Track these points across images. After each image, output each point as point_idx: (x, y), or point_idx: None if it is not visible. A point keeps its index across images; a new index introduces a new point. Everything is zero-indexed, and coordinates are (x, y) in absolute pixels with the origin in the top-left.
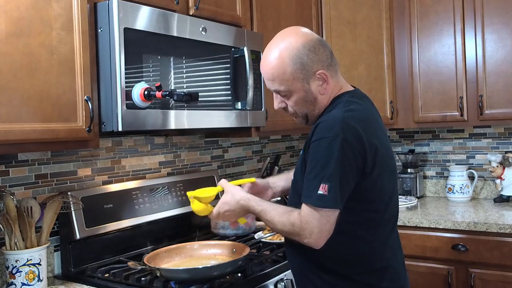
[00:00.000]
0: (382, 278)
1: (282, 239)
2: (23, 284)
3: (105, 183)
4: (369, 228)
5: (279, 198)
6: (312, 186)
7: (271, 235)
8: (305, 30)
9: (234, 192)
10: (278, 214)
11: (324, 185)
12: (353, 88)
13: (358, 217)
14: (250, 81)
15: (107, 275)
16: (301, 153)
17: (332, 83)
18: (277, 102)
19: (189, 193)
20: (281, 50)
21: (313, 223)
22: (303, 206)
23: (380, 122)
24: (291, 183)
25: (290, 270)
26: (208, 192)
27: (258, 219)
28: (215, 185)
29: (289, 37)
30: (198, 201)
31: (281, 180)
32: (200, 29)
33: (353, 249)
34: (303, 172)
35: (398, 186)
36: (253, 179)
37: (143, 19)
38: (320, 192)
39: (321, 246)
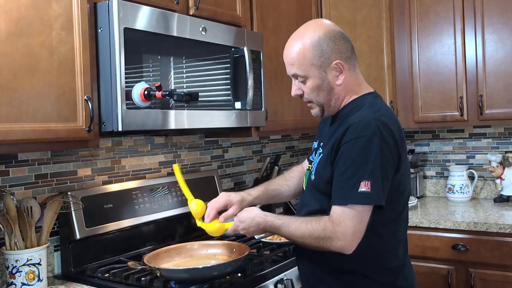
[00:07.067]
0: (398, 276)
1: (282, 239)
2: (23, 284)
3: (105, 183)
4: (389, 227)
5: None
6: (350, 185)
7: (271, 235)
8: (328, 22)
9: (250, 210)
10: (304, 222)
11: (366, 182)
12: (372, 90)
13: (380, 216)
14: (250, 81)
15: (107, 275)
16: (318, 154)
17: (349, 77)
18: (294, 89)
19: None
20: (304, 37)
21: (346, 224)
22: (334, 208)
23: None
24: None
25: (290, 270)
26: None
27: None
28: (215, 185)
29: (312, 26)
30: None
31: (257, 191)
32: (200, 29)
33: (373, 247)
34: (328, 172)
35: None
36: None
37: (143, 19)
38: (362, 189)
39: (352, 251)
